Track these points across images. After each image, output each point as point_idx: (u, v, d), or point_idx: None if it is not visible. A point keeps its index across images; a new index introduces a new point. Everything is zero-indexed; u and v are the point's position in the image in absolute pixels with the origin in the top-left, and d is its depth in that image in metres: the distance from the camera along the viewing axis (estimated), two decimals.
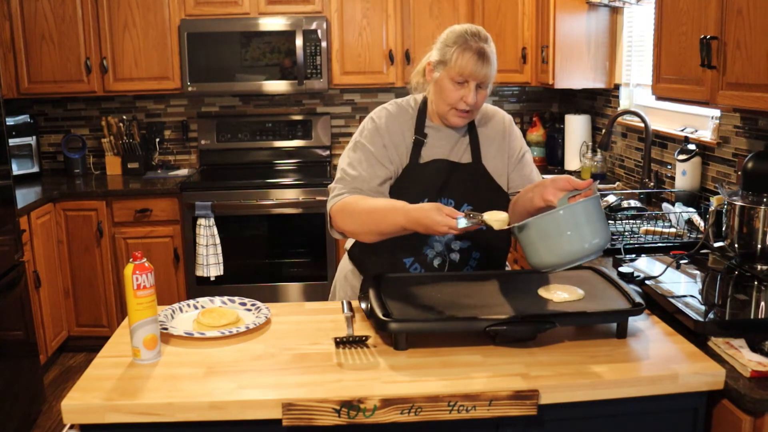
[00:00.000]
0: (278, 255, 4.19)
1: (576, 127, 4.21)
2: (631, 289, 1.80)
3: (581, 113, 4.29)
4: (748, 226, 2.00)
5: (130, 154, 4.47)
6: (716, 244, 2.12)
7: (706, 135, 2.97)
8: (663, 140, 3.35)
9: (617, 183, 3.79)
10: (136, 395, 1.45)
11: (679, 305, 1.76)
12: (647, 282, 1.95)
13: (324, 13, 4.27)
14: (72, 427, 1.43)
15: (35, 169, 4.43)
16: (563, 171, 4.27)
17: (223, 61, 4.21)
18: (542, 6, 3.96)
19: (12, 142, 4.11)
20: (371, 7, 4.27)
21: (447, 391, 1.44)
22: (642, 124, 3.34)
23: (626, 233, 2.56)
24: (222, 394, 1.45)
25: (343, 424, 1.43)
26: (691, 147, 2.97)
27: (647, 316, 1.81)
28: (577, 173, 4.09)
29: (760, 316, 1.79)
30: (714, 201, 2.22)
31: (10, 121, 4.18)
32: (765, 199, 1.99)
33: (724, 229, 2.10)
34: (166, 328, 1.74)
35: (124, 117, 4.55)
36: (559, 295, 1.75)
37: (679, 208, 2.76)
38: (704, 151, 2.95)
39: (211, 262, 4.00)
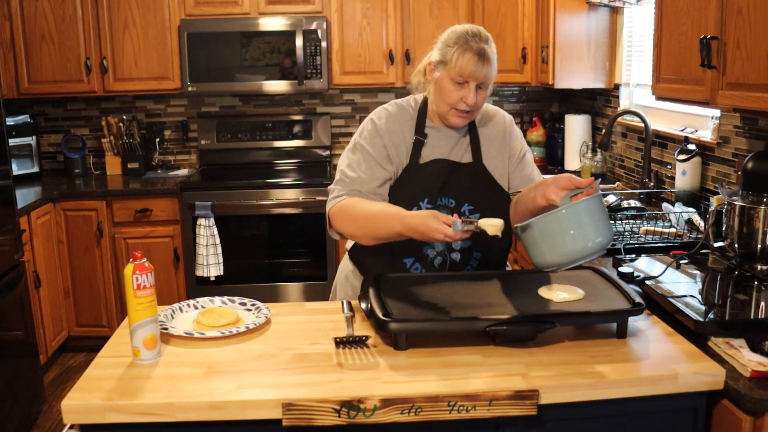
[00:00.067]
0: (278, 255, 4.19)
1: (576, 127, 4.21)
2: (631, 289, 1.80)
3: (581, 113, 4.29)
4: (748, 226, 2.00)
5: (130, 154, 4.47)
6: (716, 244, 2.12)
7: (706, 135, 2.97)
8: (663, 140, 3.35)
9: (617, 183, 3.79)
10: (136, 395, 1.45)
11: (679, 305, 1.76)
12: (647, 282, 1.95)
13: (324, 13, 4.27)
14: (72, 427, 1.43)
15: (35, 169, 4.43)
16: (563, 171, 4.26)
17: (223, 61, 4.21)
18: (542, 6, 3.96)
19: (12, 142, 4.11)
20: (371, 7, 4.27)
21: (447, 391, 1.44)
22: (642, 124, 3.34)
23: (626, 233, 2.56)
24: (222, 394, 1.45)
25: (343, 424, 1.43)
26: (691, 147, 2.97)
27: (647, 316, 1.81)
28: (577, 173, 4.08)
29: (760, 316, 1.79)
30: (714, 201, 2.22)
31: (10, 121, 4.18)
32: (765, 199, 1.99)
33: (724, 229, 2.10)
34: (166, 328, 1.74)
35: (124, 117, 4.55)
36: (559, 295, 1.75)
37: (679, 208, 2.76)
38: (704, 151, 2.95)
39: (211, 262, 4.00)
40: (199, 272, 4.01)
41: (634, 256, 2.27)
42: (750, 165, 2.06)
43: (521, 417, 1.46)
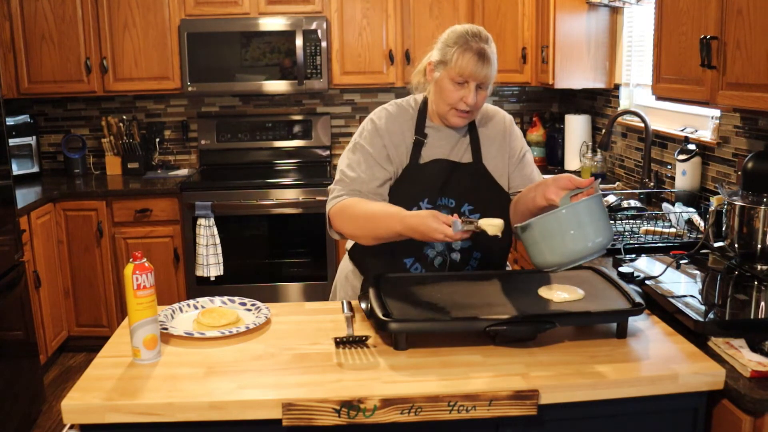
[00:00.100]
0: (278, 255, 4.19)
1: (576, 127, 4.21)
2: (631, 289, 1.80)
3: (581, 113, 4.29)
4: (748, 226, 2.00)
5: (130, 154, 4.47)
6: (716, 244, 2.12)
7: (706, 135, 2.97)
8: (663, 140, 3.35)
9: (617, 183, 3.79)
10: (136, 395, 1.45)
11: (679, 305, 1.76)
12: (647, 282, 1.95)
13: (324, 13, 4.27)
14: (72, 427, 1.43)
15: (35, 169, 4.43)
16: (563, 171, 4.26)
17: (223, 61, 4.21)
18: (542, 6, 3.96)
19: (12, 142, 4.11)
20: (371, 7, 4.27)
21: (447, 391, 1.44)
22: (642, 124, 3.34)
23: (626, 233, 2.56)
24: (222, 394, 1.45)
25: (343, 424, 1.43)
26: (691, 147, 2.97)
27: (647, 316, 1.81)
28: (577, 173, 4.08)
29: (760, 316, 1.79)
30: (714, 201, 2.22)
31: (10, 121, 4.18)
32: (765, 199, 1.99)
33: (724, 229, 2.10)
34: (166, 328, 1.74)
35: (124, 117, 4.55)
36: (559, 295, 1.75)
37: (679, 208, 2.76)
38: (704, 151, 2.95)
39: (211, 262, 4.00)
40: (199, 272, 4.01)
41: (634, 256, 2.27)
42: (750, 165, 2.06)
43: (521, 417, 1.46)
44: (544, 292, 1.78)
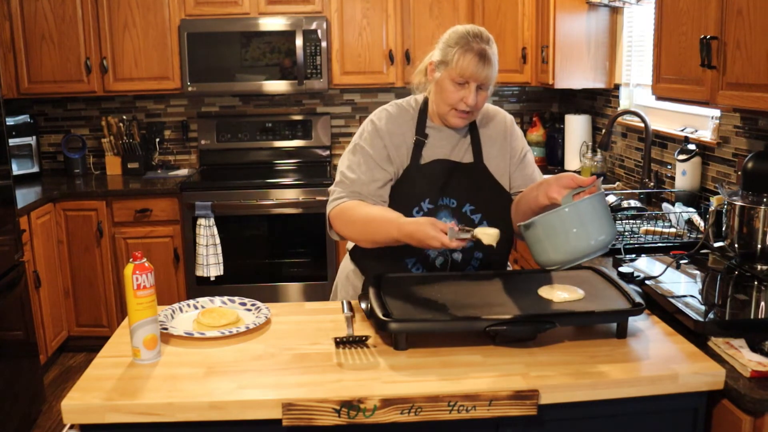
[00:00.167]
0: (278, 255, 4.19)
1: (576, 127, 4.21)
2: (631, 289, 1.80)
3: (581, 113, 4.29)
4: (748, 226, 2.00)
5: (130, 154, 4.47)
6: (716, 244, 2.12)
7: (706, 135, 2.97)
8: (663, 140, 3.35)
9: (617, 183, 3.79)
10: (136, 395, 1.45)
11: (679, 305, 1.76)
12: (647, 282, 1.95)
13: (324, 13, 4.27)
14: (72, 427, 1.43)
15: (35, 169, 4.43)
16: (563, 171, 4.26)
17: (223, 61, 4.21)
18: (542, 6, 3.96)
19: (12, 142, 4.11)
20: (371, 7, 4.27)
21: (447, 391, 1.44)
22: (642, 124, 3.34)
23: (626, 233, 2.56)
24: (222, 394, 1.45)
25: (343, 424, 1.43)
26: (691, 147, 2.97)
27: (647, 316, 1.81)
28: (577, 173, 4.07)
29: (760, 316, 1.79)
30: (714, 201, 2.22)
31: (10, 121, 4.18)
32: (765, 199, 1.99)
33: (724, 229, 2.10)
34: (166, 328, 1.74)
35: (124, 117, 4.55)
36: (559, 295, 1.75)
37: (679, 208, 2.76)
38: (704, 151, 2.95)
39: (211, 262, 4.00)
40: (199, 272, 4.01)
41: (634, 256, 2.27)
42: (750, 165, 2.06)
43: (521, 417, 1.46)
44: (544, 292, 1.78)
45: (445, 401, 1.43)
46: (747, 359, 1.52)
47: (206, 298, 1.97)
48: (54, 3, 4.13)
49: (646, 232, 2.53)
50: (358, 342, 1.66)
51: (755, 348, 1.56)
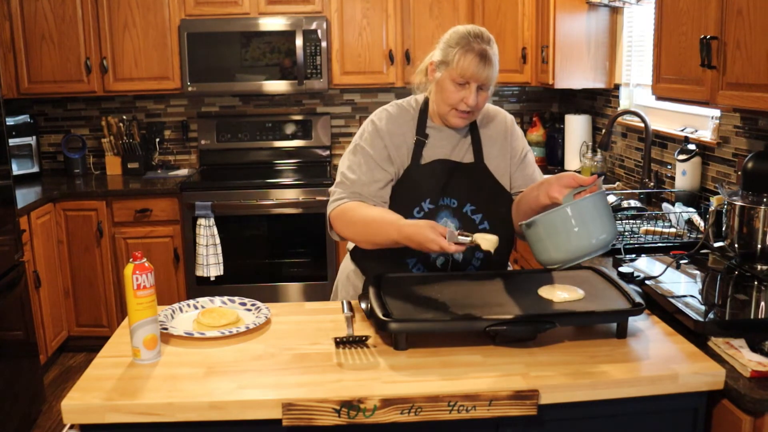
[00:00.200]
0: (278, 255, 4.19)
1: (576, 127, 4.21)
2: (631, 289, 1.80)
3: (581, 113, 4.29)
4: (748, 226, 2.00)
5: (130, 154, 4.47)
6: (716, 244, 2.12)
7: (706, 135, 2.97)
8: (663, 140, 3.35)
9: (617, 183, 3.79)
10: (136, 395, 1.45)
11: (679, 305, 1.76)
12: (647, 282, 1.95)
13: (324, 13, 4.27)
14: (72, 427, 1.43)
15: (35, 169, 4.43)
16: (563, 171, 4.26)
17: (223, 61, 4.21)
18: (542, 6, 3.96)
19: (12, 142, 4.11)
20: (371, 7, 4.27)
21: (447, 391, 1.44)
22: (642, 124, 3.34)
23: (626, 233, 2.56)
24: (222, 394, 1.45)
25: (343, 424, 1.43)
26: (691, 147, 2.97)
27: (647, 316, 1.81)
28: (577, 173, 4.08)
29: (760, 316, 1.79)
30: (714, 201, 2.22)
31: (10, 121, 4.18)
32: (765, 199, 1.99)
33: (724, 229, 2.10)
34: (166, 328, 1.74)
35: (124, 117, 4.55)
36: (559, 295, 1.75)
37: (679, 208, 2.76)
38: (704, 151, 2.95)
39: (211, 262, 4.00)
40: (199, 272, 4.01)
41: (634, 256, 2.27)
42: (750, 165, 2.06)
43: (521, 417, 1.46)
44: (544, 292, 1.78)
45: (445, 401, 1.43)
46: (747, 359, 1.52)
47: (206, 298, 1.97)
48: (54, 3, 4.13)
49: (646, 232, 2.53)
50: (358, 342, 1.66)
51: (755, 348, 1.56)
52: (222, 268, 4.03)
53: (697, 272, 2.09)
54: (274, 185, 4.10)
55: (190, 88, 4.23)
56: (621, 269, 2.10)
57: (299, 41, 4.19)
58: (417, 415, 1.43)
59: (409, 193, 1.98)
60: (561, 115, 4.55)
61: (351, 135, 4.67)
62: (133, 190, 4.09)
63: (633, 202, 3.07)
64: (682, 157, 2.97)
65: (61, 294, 4.04)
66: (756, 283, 1.95)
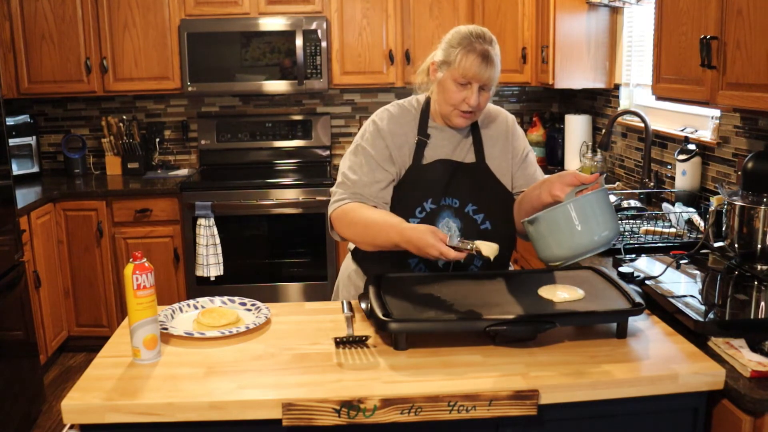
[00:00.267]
0: (278, 255, 4.19)
1: (576, 127, 4.21)
2: (631, 289, 1.80)
3: (581, 113, 4.28)
4: (748, 226, 2.00)
5: (130, 154, 4.47)
6: (716, 244, 2.12)
7: (706, 135, 2.97)
8: (663, 140, 3.35)
9: (617, 183, 3.79)
10: (136, 395, 1.45)
11: (679, 305, 1.76)
12: (647, 282, 1.95)
13: (324, 13, 4.27)
14: (72, 427, 1.43)
15: (35, 169, 4.43)
16: (564, 171, 4.26)
17: (223, 61, 4.21)
18: (542, 6, 3.96)
19: (12, 142, 4.11)
20: (371, 7, 4.27)
21: (447, 391, 1.44)
22: (642, 124, 3.34)
23: (626, 233, 2.56)
24: (222, 394, 1.45)
25: (343, 424, 1.43)
26: (691, 147, 2.97)
27: (647, 316, 1.81)
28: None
29: (760, 316, 1.79)
30: (714, 201, 2.22)
31: (10, 121, 4.18)
32: (765, 199, 1.99)
33: (724, 229, 2.10)
34: (166, 328, 1.74)
35: (124, 117, 4.55)
36: (559, 295, 1.75)
37: (679, 208, 2.76)
38: (704, 151, 2.95)
39: (211, 262, 4.00)
40: (199, 272, 4.01)
41: (634, 256, 2.27)
42: (750, 165, 2.06)
43: (521, 417, 1.46)
44: (544, 292, 1.78)
45: (445, 401, 1.43)
46: (747, 359, 1.52)
47: (206, 298, 1.97)
48: (54, 3, 4.13)
49: (646, 232, 2.53)
50: (358, 342, 1.66)
51: (755, 348, 1.56)
52: (222, 268, 4.03)
53: (697, 272, 2.09)
54: (274, 185, 4.10)
55: (190, 88, 4.23)
56: (621, 269, 2.10)
57: (299, 41, 4.19)
58: (417, 415, 1.43)
59: (411, 193, 1.98)
60: (561, 115, 4.55)
61: (351, 135, 4.68)
62: (133, 190, 4.09)
63: (633, 202, 3.07)
64: (682, 157, 2.97)
65: (61, 294, 4.04)
66: (756, 283, 1.95)
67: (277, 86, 4.27)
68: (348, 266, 2.19)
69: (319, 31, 4.20)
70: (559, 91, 4.70)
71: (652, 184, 3.32)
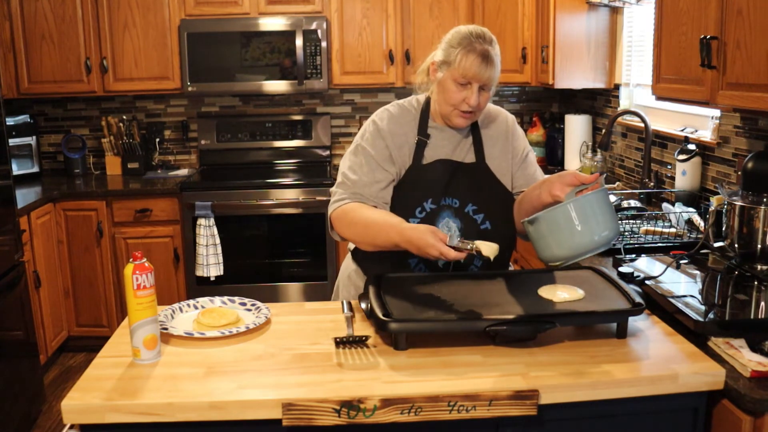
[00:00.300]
0: (278, 255, 4.19)
1: (576, 127, 4.21)
2: (631, 289, 1.80)
3: (581, 113, 4.28)
4: (748, 226, 2.00)
5: (130, 154, 4.47)
6: (716, 244, 2.12)
7: (706, 135, 2.97)
8: (663, 140, 3.35)
9: (617, 183, 3.79)
10: (136, 395, 1.45)
11: (679, 305, 1.76)
12: (647, 282, 1.95)
13: (324, 13, 4.27)
14: (72, 427, 1.43)
15: (35, 169, 4.43)
16: (564, 171, 4.26)
17: (223, 61, 4.21)
18: (542, 6, 3.96)
19: (12, 142, 4.11)
20: (371, 7, 4.27)
21: (447, 391, 1.44)
22: (642, 124, 3.34)
23: (626, 233, 2.56)
24: (222, 394, 1.45)
25: (343, 424, 1.43)
26: (691, 147, 2.97)
27: (647, 316, 1.81)
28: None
29: (760, 316, 1.79)
30: (714, 201, 2.22)
31: (10, 121, 4.18)
32: (765, 199, 1.99)
33: (724, 229, 2.10)
34: (166, 328, 1.74)
35: (124, 117, 4.55)
36: (559, 295, 1.75)
37: (679, 208, 2.76)
38: (704, 151, 2.95)
39: (211, 262, 4.00)
40: (199, 272, 4.01)
41: (634, 256, 2.27)
42: (750, 165, 2.06)
43: (521, 417, 1.46)
44: (544, 292, 1.78)
45: (445, 401, 1.43)
46: (747, 359, 1.52)
47: (206, 298, 1.97)
48: (54, 3, 4.13)
49: (646, 232, 2.53)
50: (358, 342, 1.66)
51: (755, 348, 1.56)
52: (222, 268, 4.03)
53: (697, 272, 2.09)
54: (274, 185, 4.10)
55: (190, 88, 4.23)
56: (621, 269, 2.10)
57: (299, 41, 4.19)
58: (417, 415, 1.43)
59: (411, 193, 1.98)
60: (561, 115, 4.55)
61: (351, 135, 4.68)
62: (133, 190, 4.09)
63: (633, 202, 3.07)
64: (682, 157, 2.97)
65: (61, 294, 4.04)
66: (756, 283, 1.95)
67: (277, 86, 4.27)
68: (348, 266, 2.19)
69: (319, 31, 4.20)
70: (559, 91, 4.70)
71: (652, 184, 3.32)
